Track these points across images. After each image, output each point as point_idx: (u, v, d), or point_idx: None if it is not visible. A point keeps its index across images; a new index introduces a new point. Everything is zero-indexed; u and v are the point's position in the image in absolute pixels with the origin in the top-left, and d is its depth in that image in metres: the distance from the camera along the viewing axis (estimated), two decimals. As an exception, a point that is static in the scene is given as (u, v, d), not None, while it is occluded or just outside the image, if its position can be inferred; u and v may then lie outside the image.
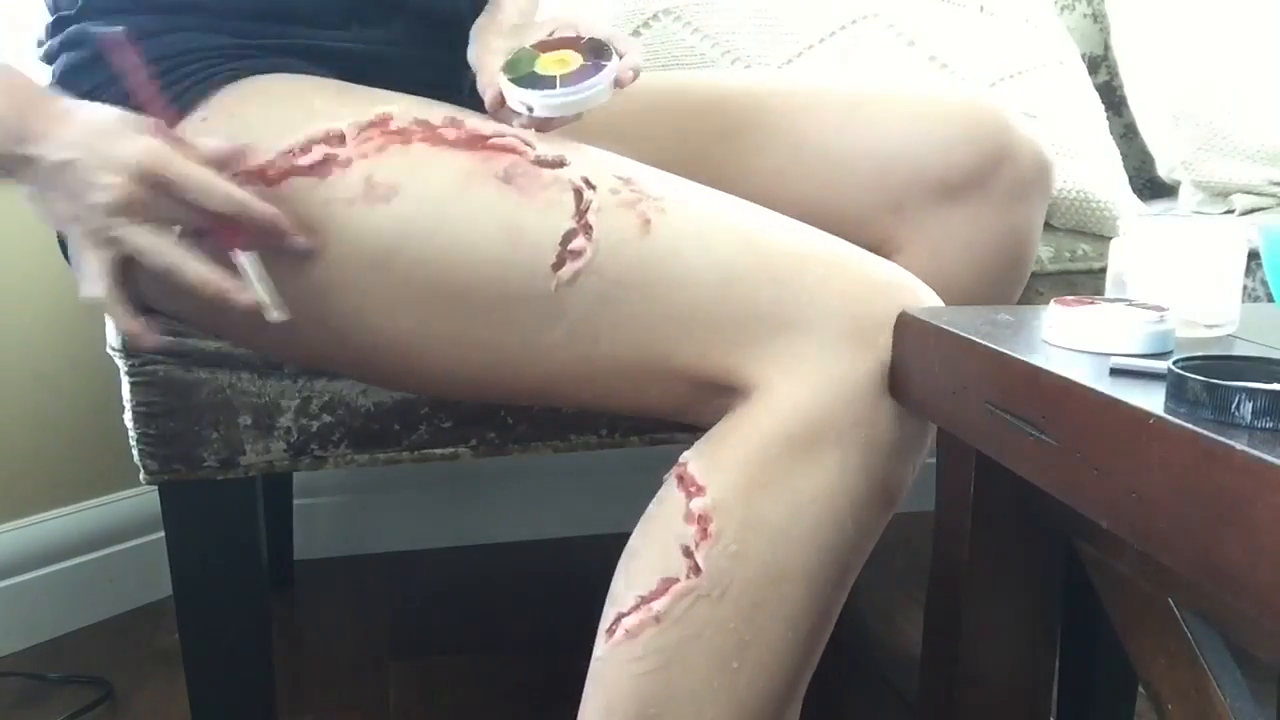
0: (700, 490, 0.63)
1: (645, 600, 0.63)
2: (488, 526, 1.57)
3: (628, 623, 0.64)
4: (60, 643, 1.27)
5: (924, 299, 0.67)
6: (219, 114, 0.69)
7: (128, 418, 0.77)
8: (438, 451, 0.84)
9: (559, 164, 0.68)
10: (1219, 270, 0.61)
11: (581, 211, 0.66)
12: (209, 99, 0.70)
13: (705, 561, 0.62)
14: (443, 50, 0.83)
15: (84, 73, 0.72)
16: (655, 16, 1.11)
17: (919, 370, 0.62)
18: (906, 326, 0.63)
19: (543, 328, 0.66)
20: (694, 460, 0.65)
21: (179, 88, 0.69)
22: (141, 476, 0.78)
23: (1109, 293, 0.65)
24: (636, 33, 1.11)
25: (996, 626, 0.66)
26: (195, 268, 0.64)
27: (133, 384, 0.76)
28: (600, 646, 0.65)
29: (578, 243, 0.65)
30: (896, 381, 0.64)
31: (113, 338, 0.77)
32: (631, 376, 0.68)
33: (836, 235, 0.74)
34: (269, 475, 0.84)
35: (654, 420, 0.86)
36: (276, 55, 0.73)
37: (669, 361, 0.66)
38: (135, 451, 0.78)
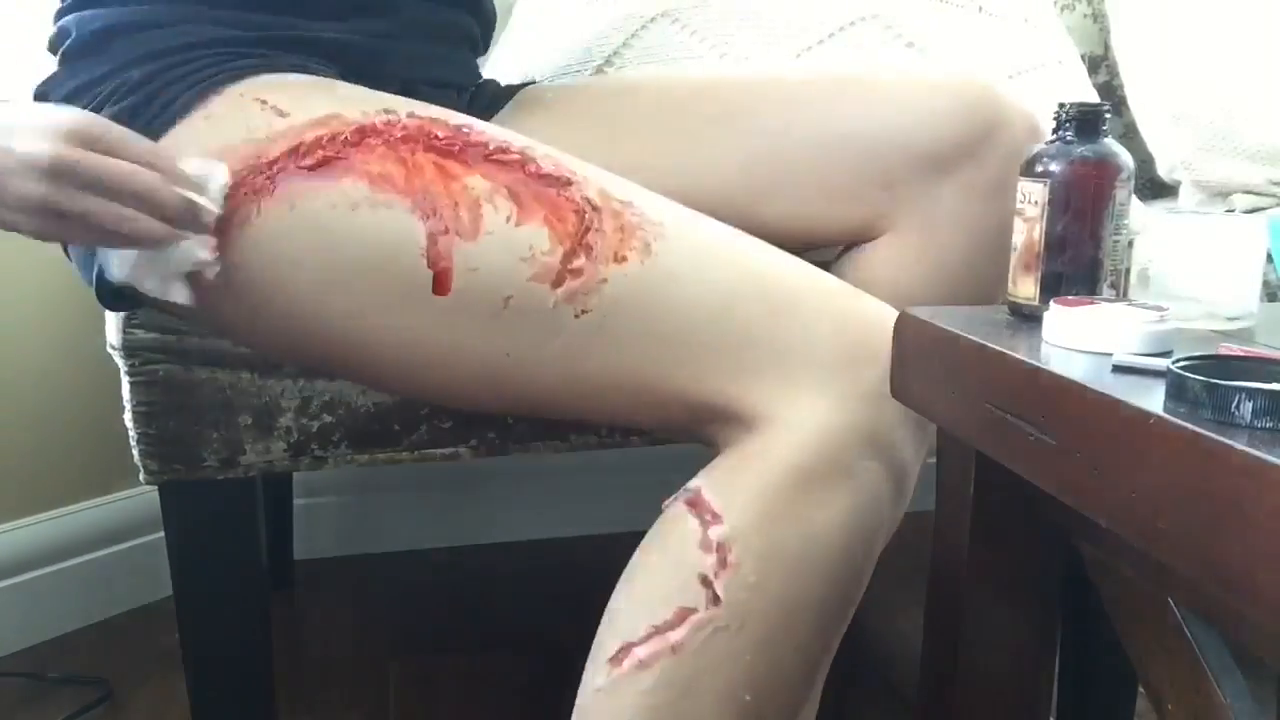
0: (717, 519, 0.63)
1: (660, 630, 0.62)
2: (488, 526, 1.57)
3: (640, 652, 0.62)
4: (60, 643, 1.27)
5: None
6: (224, 109, 0.69)
7: (128, 418, 0.77)
8: (438, 451, 0.84)
9: (563, 183, 0.68)
10: (1241, 264, 0.63)
11: (583, 231, 0.66)
12: (213, 97, 0.70)
13: (725, 592, 0.62)
14: (446, 46, 0.83)
15: (79, 59, 0.74)
16: (654, 19, 1.12)
17: (919, 370, 0.62)
18: (907, 326, 0.63)
19: (538, 342, 0.66)
20: (707, 488, 0.64)
21: (182, 85, 0.70)
22: (141, 476, 0.78)
23: (1133, 286, 0.65)
24: (636, 36, 1.12)
25: (996, 626, 0.66)
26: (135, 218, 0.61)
27: (133, 384, 0.76)
28: (602, 675, 0.64)
29: (578, 262, 0.66)
30: (896, 381, 0.64)
31: (113, 336, 0.77)
32: (624, 396, 0.68)
33: (828, 214, 0.74)
34: (269, 475, 0.84)
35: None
36: (277, 48, 0.73)
37: (664, 384, 0.67)
38: (135, 451, 0.78)
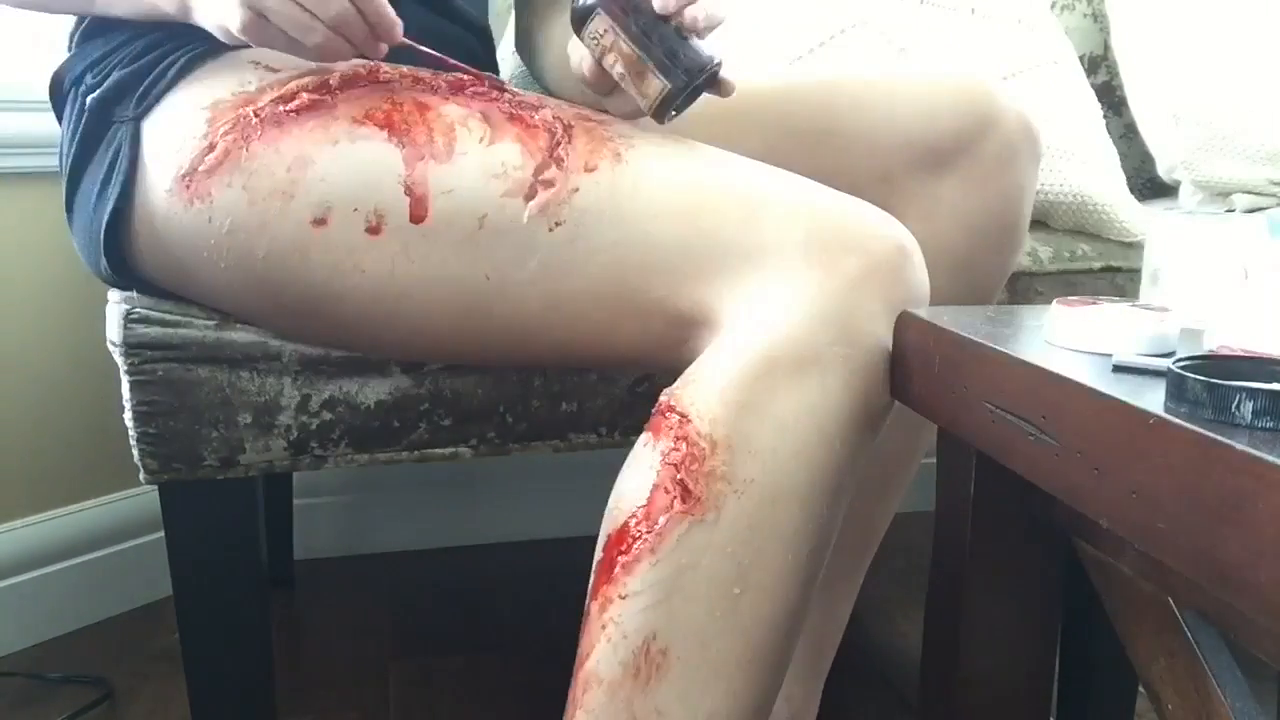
0: (684, 417, 0.63)
1: (639, 534, 0.63)
2: (488, 526, 1.57)
3: (623, 558, 0.63)
4: (60, 643, 1.27)
5: (883, 227, 0.68)
6: (220, 70, 0.73)
7: (127, 417, 0.77)
8: (438, 451, 0.84)
9: (533, 106, 0.72)
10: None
11: (554, 145, 0.69)
12: (210, 62, 0.74)
13: (696, 486, 0.62)
14: (453, 53, 0.84)
15: (88, 40, 0.78)
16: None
17: (919, 370, 0.62)
18: (907, 326, 0.64)
19: (516, 261, 0.68)
20: (675, 391, 0.65)
21: (184, 52, 0.73)
22: (141, 476, 0.78)
23: (1143, 287, 0.66)
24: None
25: (996, 626, 0.66)
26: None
27: (132, 383, 0.76)
28: (595, 586, 0.65)
29: (550, 173, 0.68)
30: (897, 381, 0.64)
31: (113, 334, 0.77)
32: (604, 313, 0.69)
33: None
34: (269, 475, 0.84)
35: (647, 401, 0.86)
36: None
37: (641, 295, 0.68)
38: (135, 451, 0.78)
